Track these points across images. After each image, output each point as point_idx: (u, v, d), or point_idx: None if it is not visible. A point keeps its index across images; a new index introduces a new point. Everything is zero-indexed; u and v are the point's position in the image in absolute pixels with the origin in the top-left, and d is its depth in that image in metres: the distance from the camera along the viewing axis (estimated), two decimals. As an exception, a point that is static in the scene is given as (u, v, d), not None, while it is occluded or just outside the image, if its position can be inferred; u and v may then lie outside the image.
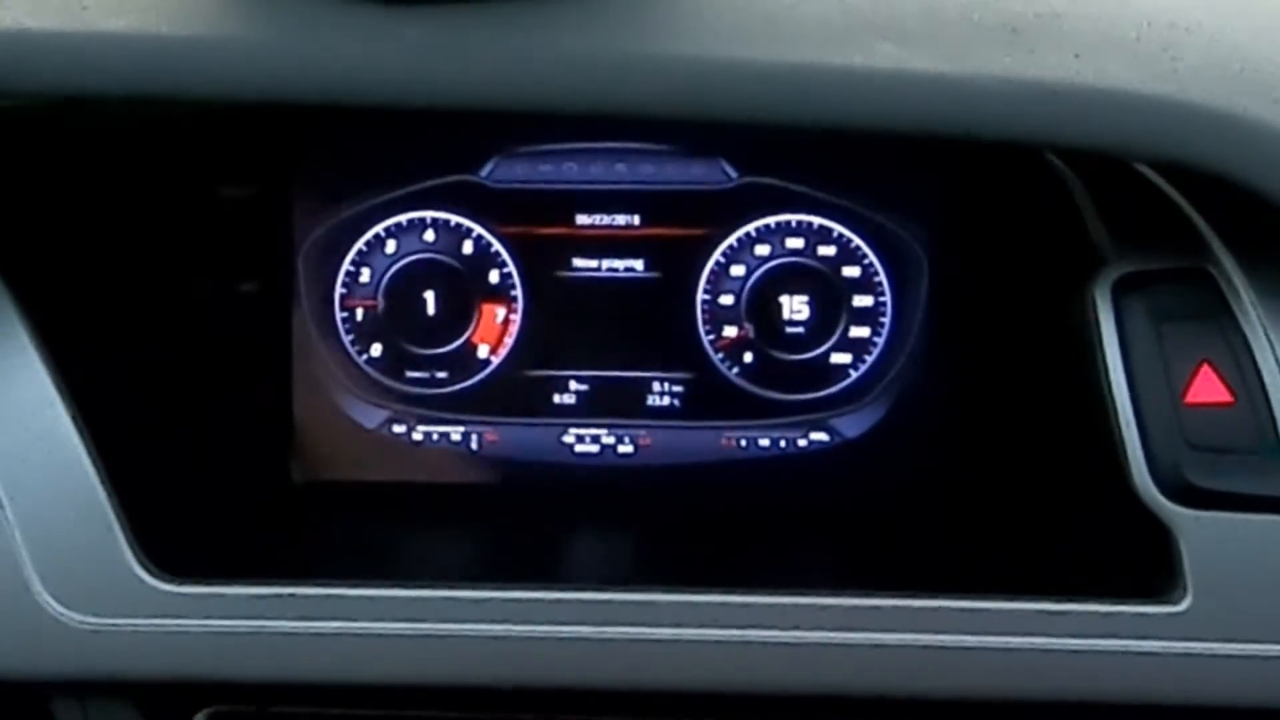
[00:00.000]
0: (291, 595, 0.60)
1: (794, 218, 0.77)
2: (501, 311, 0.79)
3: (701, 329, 0.78)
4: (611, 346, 0.78)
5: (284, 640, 0.60)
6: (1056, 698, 0.59)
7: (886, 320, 0.77)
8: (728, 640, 0.59)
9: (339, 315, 0.79)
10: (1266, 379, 0.58)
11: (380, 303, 0.79)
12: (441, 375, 0.79)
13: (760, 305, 0.78)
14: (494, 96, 0.53)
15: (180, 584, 0.60)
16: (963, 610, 0.59)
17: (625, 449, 0.79)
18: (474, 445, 0.79)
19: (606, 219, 0.78)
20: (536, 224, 0.78)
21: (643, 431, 0.79)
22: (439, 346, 0.79)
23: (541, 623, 0.60)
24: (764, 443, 0.78)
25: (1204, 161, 0.53)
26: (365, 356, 0.79)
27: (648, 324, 0.78)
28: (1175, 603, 0.58)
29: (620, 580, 0.62)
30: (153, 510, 0.62)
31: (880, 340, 0.77)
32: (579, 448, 0.79)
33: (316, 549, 0.71)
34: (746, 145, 0.77)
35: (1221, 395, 0.58)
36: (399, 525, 0.74)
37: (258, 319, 0.78)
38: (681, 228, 0.78)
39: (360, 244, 0.79)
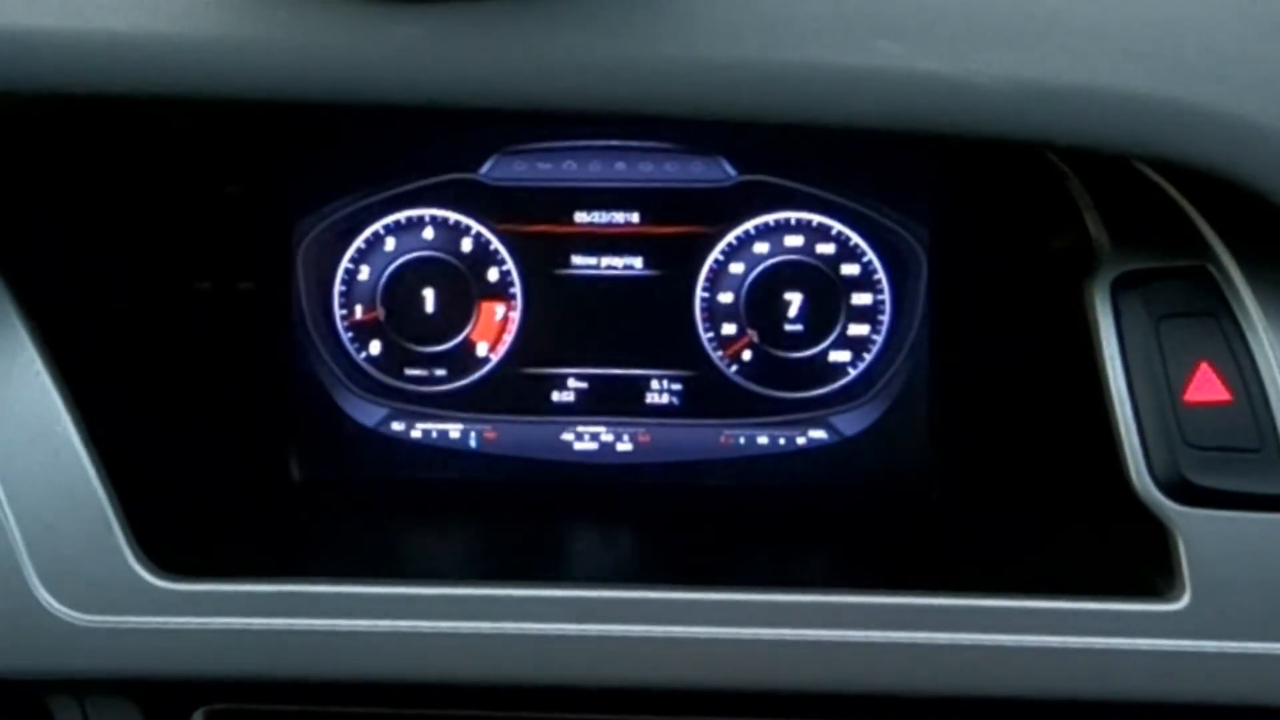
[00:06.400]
0: (290, 593, 0.60)
1: (793, 216, 0.77)
2: (500, 309, 0.79)
3: (700, 327, 0.78)
4: (610, 344, 0.78)
5: (283, 638, 0.60)
6: (1053, 696, 0.59)
7: (885, 318, 0.77)
8: (726, 638, 0.59)
9: (338, 313, 0.79)
10: (1265, 378, 0.58)
11: (379, 301, 0.79)
12: (440, 373, 0.79)
13: (759, 303, 0.78)
14: (493, 96, 0.53)
15: (179, 582, 0.60)
16: (961, 608, 0.59)
17: (624, 446, 0.79)
18: (473, 443, 0.79)
19: (606, 217, 0.78)
20: (536, 222, 0.78)
21: (642, 429, 0.79)
22: (438, 344, 0.79)
23: (540, 620, 0.60)
24: (763, 440, 0.78)
25: (1203, 160, 0.53)
26: (364, 354, 0.79)
27: (647, 322, 0.78)
28: (1173, 601, 0.58)
29: (619, 578, 0.62)
30: (152, 508, 0.62)
31: (879, 338, 0.77)
32: (578, 445, 0.79)
33: (315, 546, 0.71)
34: (746, 143, 0.77)
35: (1220, 394, 0.58)
36: (398, 523, 0.74)
37: (256, 317, 0.78)
38: (680, 226, 0.78)
39: (359, 242, 0.79)
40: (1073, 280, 0.62)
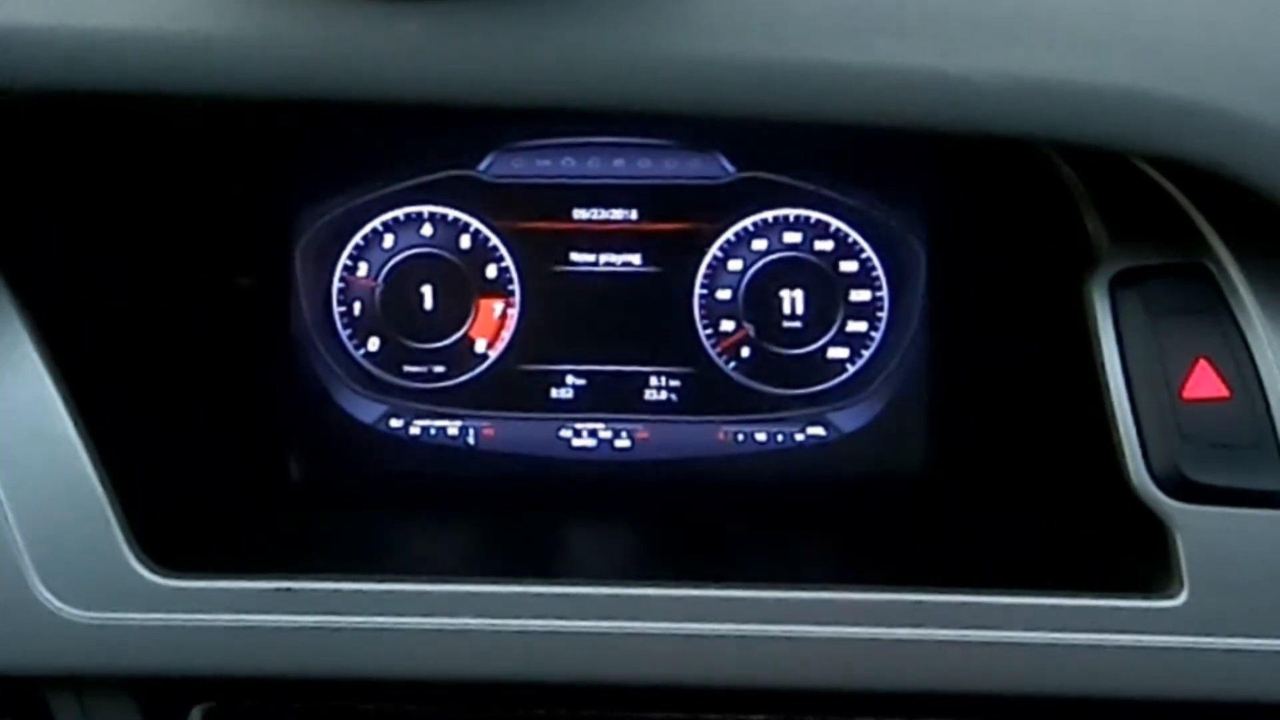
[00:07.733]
0: (289, 590, 0.60)
1: (791, 212, 0.77)
2: (499, 306, 0.79)
3: (699, 323, 0.78)
4: (609, 341, 0.78)
5: (281, 635, 0.60)
6: (1051, 692, 0.59)
7: (883, 315, 0.77)
8: (724, 635, 0.60)
9: (336, 310, 0.79)
10: (1263, 374, 0.58)
11: (378, 297, 0.79)
12: (439, 370, 0.79)
13: (757, 300, 0.78)
14: (493, 92, 0.53)
15: (178, 579, 0.60)
16: (959, 605, 0.59)
17: (622, 443, 0.79)
18: (471, 440, 0.79)
19: (604, 214, 0.78)
20: (534, 219, 0.78)
21: (640, 426, 0.79)
22: (436, 341, 0.79)
23: (538, 617, 0.60)
24: (761, 437, 0.79)
25: (1202, 157, 0.53)
26: (363, 351, 0.79)
27: (645, 318, 0.78)
28: (1171, 598, 0.58)
29: (617, 575, 0.62)
30: (150, 505, 0.62)
31: (877, 335, 0.77)
32: (576, 442, 0.79)
33: (313, 543, 0.71)
34: (744, 140, 0.77)
35: (1219, 390, 0.58)
36: (396, 520, 0.74)
37: (255, 314, 0.78)
38: (679, 222, 0.78)
39: (358, 238, 0.79)
40: (1071, 277, 0.62)
